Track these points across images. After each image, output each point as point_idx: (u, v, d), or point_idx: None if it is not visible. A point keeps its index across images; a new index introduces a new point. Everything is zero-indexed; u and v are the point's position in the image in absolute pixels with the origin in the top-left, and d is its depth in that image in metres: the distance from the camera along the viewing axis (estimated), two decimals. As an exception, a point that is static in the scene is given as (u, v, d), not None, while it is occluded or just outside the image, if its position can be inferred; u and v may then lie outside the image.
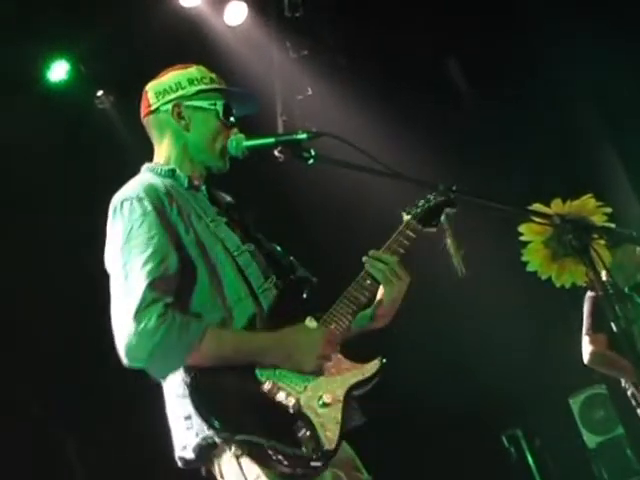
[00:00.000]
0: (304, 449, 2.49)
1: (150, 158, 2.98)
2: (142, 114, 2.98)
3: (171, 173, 2.86)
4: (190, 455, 2.63)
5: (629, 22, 6.66)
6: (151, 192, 2.70)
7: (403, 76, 7.23)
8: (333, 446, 2.52)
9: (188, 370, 2.56)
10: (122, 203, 2.68)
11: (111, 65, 6.26)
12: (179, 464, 2.71)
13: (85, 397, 6.04)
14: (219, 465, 2.63)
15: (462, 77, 7.90)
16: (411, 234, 2.91)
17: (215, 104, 2.88)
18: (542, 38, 7.18)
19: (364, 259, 2.86)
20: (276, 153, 2.74)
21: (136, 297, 2.53)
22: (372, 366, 2.71)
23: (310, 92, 6.97)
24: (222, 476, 2.64)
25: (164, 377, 2.66)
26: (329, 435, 2.54)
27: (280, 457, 2.46)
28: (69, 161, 6.15)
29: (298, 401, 2.57)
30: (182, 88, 2.88)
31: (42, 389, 6.00)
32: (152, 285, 2.54)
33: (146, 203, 2.66)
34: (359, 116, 6.85)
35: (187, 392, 2.55)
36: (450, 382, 7.20)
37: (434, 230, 2.98)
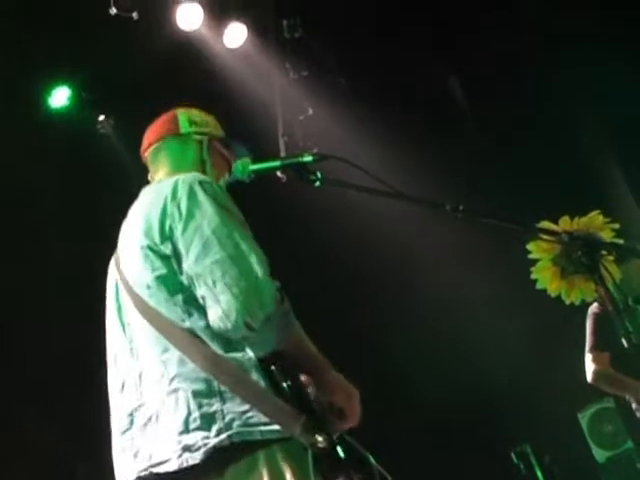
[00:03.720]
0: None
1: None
2: (161, 131, 2.97)
3: None
4: (191, 461, 2.31)
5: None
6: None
7: (404, 95, 7.25)
8: None
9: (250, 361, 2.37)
10: (201, 183, 2.56)
11: (112, 90, 6.28)
12: None
13: (96, 422, 6.00)
14: (235, 473, 2.31)
15: (463, 96, 7.91)
16: None
17: (229, 158, 2.92)
18: (543, 56, 7.20)
19: None
20: (279, 174, 2.74)
21: (260, 261, 2.40)
22: None
23: (311, 112, 6.99)
24: None
25: (265, 350, 2.41)
26: None
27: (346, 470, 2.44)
28: (71, 187, 6.15)
29: None
30: (213, 127, 2.97)
31: (52, 413, 5.96)
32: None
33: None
34: (360, 136, 6.85)
35: (266, 379, 2.35)
36: (459, 399, 7.17)
37: None
